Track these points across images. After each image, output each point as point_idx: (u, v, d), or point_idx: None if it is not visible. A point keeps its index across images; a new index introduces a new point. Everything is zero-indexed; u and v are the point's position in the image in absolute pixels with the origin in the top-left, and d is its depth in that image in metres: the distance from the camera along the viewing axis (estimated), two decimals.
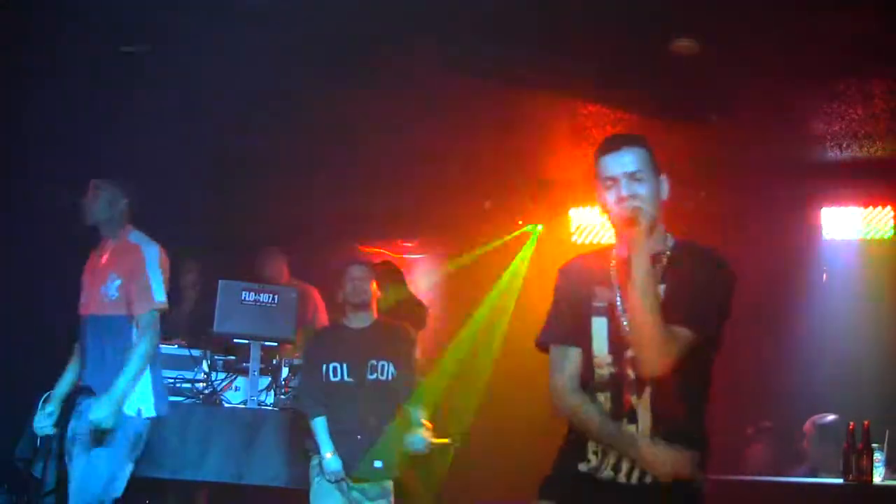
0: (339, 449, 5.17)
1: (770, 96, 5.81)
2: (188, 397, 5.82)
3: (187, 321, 6.72)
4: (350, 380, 5.27)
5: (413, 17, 4.90)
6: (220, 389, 5.89)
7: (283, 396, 5.89)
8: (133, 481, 5.44)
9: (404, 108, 6.12)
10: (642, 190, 3.03)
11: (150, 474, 5.51)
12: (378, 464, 5.21)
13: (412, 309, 7.20)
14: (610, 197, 3.03)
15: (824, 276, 7.27)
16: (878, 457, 5.23)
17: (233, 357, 5.99)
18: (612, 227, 3.08)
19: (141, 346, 4.73)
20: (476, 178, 7.49)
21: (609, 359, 3.01)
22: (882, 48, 5.02)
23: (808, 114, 6.02)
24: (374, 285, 5.48)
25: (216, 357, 5.96)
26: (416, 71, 5.53)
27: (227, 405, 5.87)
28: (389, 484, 5.31)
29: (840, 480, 5.29)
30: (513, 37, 5.18)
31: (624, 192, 3.00)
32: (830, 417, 5.98)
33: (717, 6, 4.74)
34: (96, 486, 4.70)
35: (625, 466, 2.99)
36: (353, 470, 5.19)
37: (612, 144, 3.11)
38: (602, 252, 3.18)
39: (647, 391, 2.96)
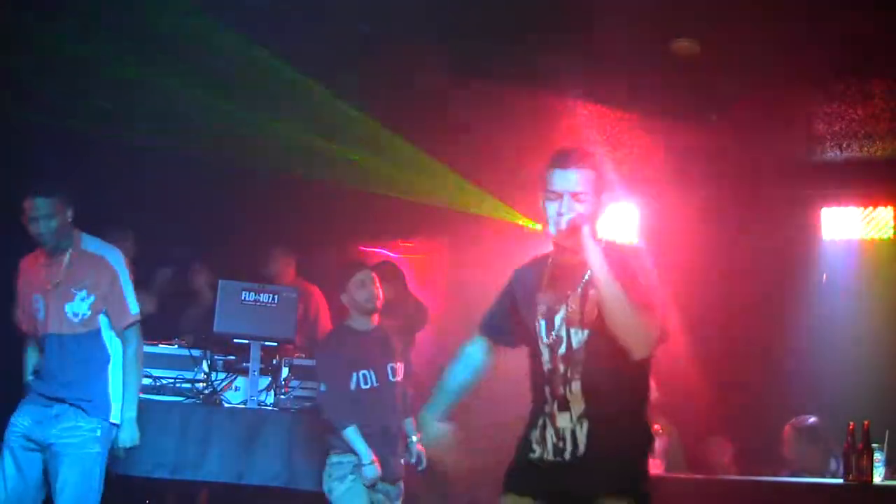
0: (377, 452, 5.22)
1: (770, 96, 5.81)
2: (188, 397, 5.82)
3: (203, 321, 6.71)
4: (378, 385, 5.34)
5: (413, 18, 4.91)
6: (220, 389, 5.89)
7: (283, 396, 5.89)
8: (133, 481, 5.45)
9: (404, 108, 6.12)
10: (581, 209, 3.29)
11: (150, 474, 5.52)
12: (403, 461, 5.37)
13: (412, 309, 7.21)
14: (551, 208, 3.31)
15: (824, 277, 7.27)
16: (878, 457, 5.23)
17: (233, 357, 5.99)
18: (551, 235, 3.35)
19: (135, 361, 4.85)
20: (475, 179, 7.48)
21: (548, 355, 3.36)
22: (882, 48, 5.02)
23: (808, 114, 6.02)
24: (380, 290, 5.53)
25: (216, 357, 5.96)
26: (415, 71, 5.53)
27: (227, 405, 5.87)
28: (402, 484, 5.42)
29: (840, 480, 5.29)
30: (513, 37, 5.18)
31: (563, 210, 3.28)
32: (809, 420, 5.98)
33: (717, 6, 4.74)
34: (95, 498, 4.74)
35: (562, 446, 3.33)
36: (388, 472, 5.26)
37: (562, 161, 3.35)
38: (540, 260, 3.50)
39: (577, 383, 3.31)
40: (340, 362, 5.34)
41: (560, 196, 3.30)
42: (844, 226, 7.21)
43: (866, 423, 5.25)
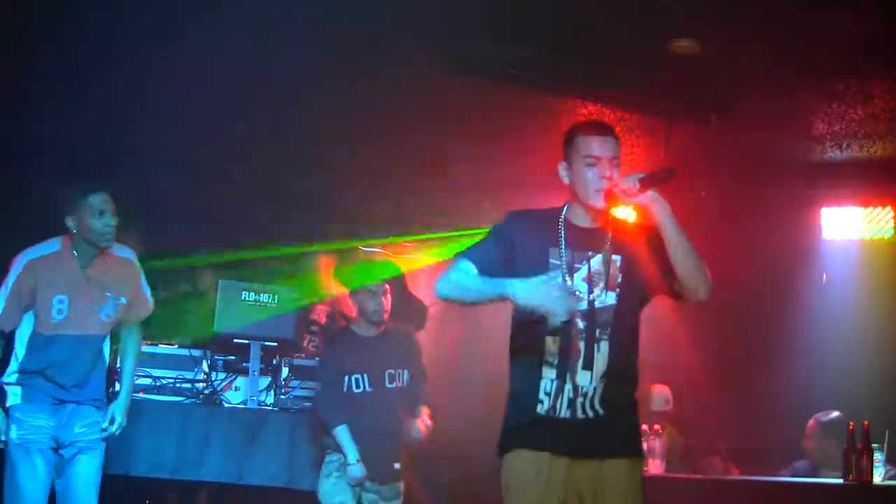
0: (367, 454, 5.28)
1: (770, 96, 5.81)
2: (188, 397, 5.82)
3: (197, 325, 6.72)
4: (371, 390, 5.37)
5: (413, 17, 4.91)
6: (220, 389, 5.90)
7: (283, 396, 5.89)
8: (133, 481, 5.45)
9: (404, 109, 6.12)
10: (616, 174, 3.49)
11: (150, 474, 5.52)
12: (397, 465, 5.37)
13: (413, 309, 7.21)
14: (590, 173, 3.47)
15: (824, 277, 7.27)
16: (878, 457, 5.23)
17: (233, 357, 6.00)
18: (579, 195, 3.50)
19: (138, 350, 4.96)
20: (475, 178, 7.48)
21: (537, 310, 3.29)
22: (882, 48, 5.02)
23: (808, 114, 6.02)
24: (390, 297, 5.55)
25: (216, 357, 5.96)
26: (416, 71, 5.53)
27: (227, 405, 5.87)
28: (402, 485, 5.44)
29: (840, 480, 5.29)
30: (513, 37, 5.18)
31: (607, 174, 3.46)
32: (834, 414, 5.97)
33: (717, 6, 4.74)
34: (96, 491, 4.79)
35: (581, 402, 3.43)
36: (375, 473, 5.30)
37: (599, 129, 3.56)
38: (548, 216, 3.56)
39: (603, 340, 3.44)
40: (335, 364, 5.44)
41: (600, 160, 3.48)
42: (844, 226, 7.21)
43: (866, 423, 5.25)
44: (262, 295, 5.98)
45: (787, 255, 7.28)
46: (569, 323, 3.38)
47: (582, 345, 3.44)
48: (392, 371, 5.41)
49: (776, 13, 4.76)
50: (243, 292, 5.96)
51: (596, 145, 3.49)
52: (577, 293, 3.42)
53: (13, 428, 4.64)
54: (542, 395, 3.44)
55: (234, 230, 7.71)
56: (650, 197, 3.53)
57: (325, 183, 7.52)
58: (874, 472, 5.18)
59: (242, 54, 5.28)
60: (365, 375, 5.36)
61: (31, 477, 4.60)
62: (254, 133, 6.53)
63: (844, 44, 4.98)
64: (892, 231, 7.07)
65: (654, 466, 5.78)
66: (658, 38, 5.09)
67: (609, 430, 3.45)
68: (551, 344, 3.44)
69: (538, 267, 3.41)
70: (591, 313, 3.44)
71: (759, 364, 7.15)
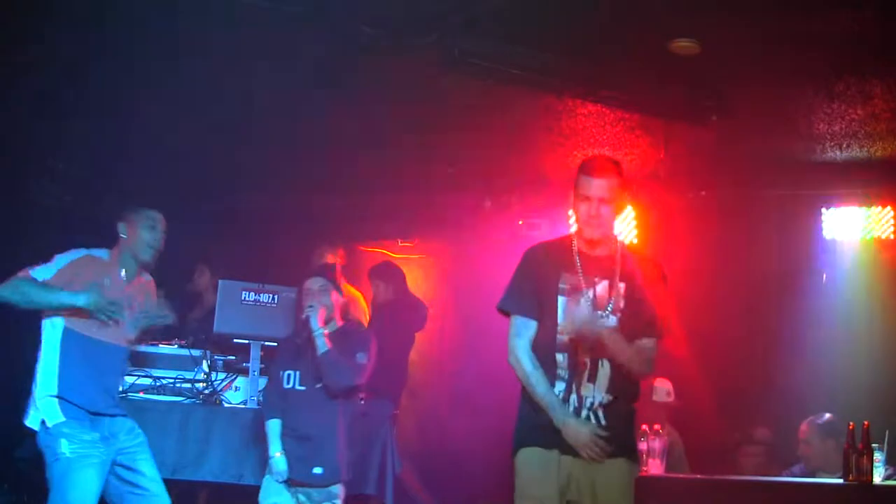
0: (288, 453, 5.25)
1: (770, 96, 5.81)
2: (188, 397, 5.82)
3: (202, 324, 6.72)
4: (301, 388, 5.33)
5: (414, 17, 4.91)
6: (220, 389, 5.90)
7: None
8: None
9: (404, 109, 6.12)
10: (605, 211, 3.92)
11: None
12: (318, 470, 5.24)
13: (412, 309, 7.21)
14: (582, 209, 3.94)
15: (824, 277, 7.27)
16: (878, 457, 5.23)
17: (233, 357, 6.00)
18: (584, 231, 3.97)
19: None
20: (476, 178, 7.49)
21: (570, 327, 3.87)
22: (882, 48, 5.02)
23: (808, 114, 6.02)
24: (335, 295, 5.43)
25: (216, 357, 5.96)
26: (416, 71, 5.53)
27: (227, 405, 5.87)
28: (337, 488, 5.31)
29: (840, 480, 5.29)
30: (513, 37, 5.18)
31: (593, 212, 3.91)
32: (827, 416, 5.98)
33: (717, 6, 4.74)
34: None
35: (585, 413, 3.90)
36: (294, 474, 5.24)
37: (593, 170, 3.96)
38: (563, 242, 4.04)
39: (607, 361, 3.89)
40: (276, 359, 5.53)
41: (590, 199, 3.91)
42: (844, 226, 7.21)
43: (866, 423, 5.25)
44: (262, 295, 5.98)
45: (787, 255, 7.28)
46: (577, 340, 3.86)
47: (587, 361, 3.89)
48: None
49: (776, 13, 4.76)
50: (243, 292, 5.96)
51: (587, 186, 3.93)
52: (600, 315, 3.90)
53: (63, 443, 4.65)
54: (596, 433, 3.88)
55: (233, 230, 7.73)
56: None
57: (324, 183, 7.52)
58: (874, 472, 5.19)
59: (242, 54, 5.28)
60: (297, 373, 5.34)
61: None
62: (254, 133, 6.53)
63: (844, 44, 4.98)
64: (892, 231, 7.07)
65: (654, 466, 5.78)
66: (658, 38, 5.09)
67: (611, 437, 3.88)
68: (561, 360, 3.92)
69: (547, 291, 3.92)
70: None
71: (758, 363, 7.15)
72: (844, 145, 6.48)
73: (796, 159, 6.87)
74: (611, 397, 3.92)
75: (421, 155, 6.99)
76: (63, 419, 4.65)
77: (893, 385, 6.69)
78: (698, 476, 6.13)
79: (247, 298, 5.95)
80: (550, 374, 3.92)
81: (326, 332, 5.30)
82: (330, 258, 7.29)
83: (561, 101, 5.95)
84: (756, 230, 7.25)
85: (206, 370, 5.91)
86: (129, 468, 4.84)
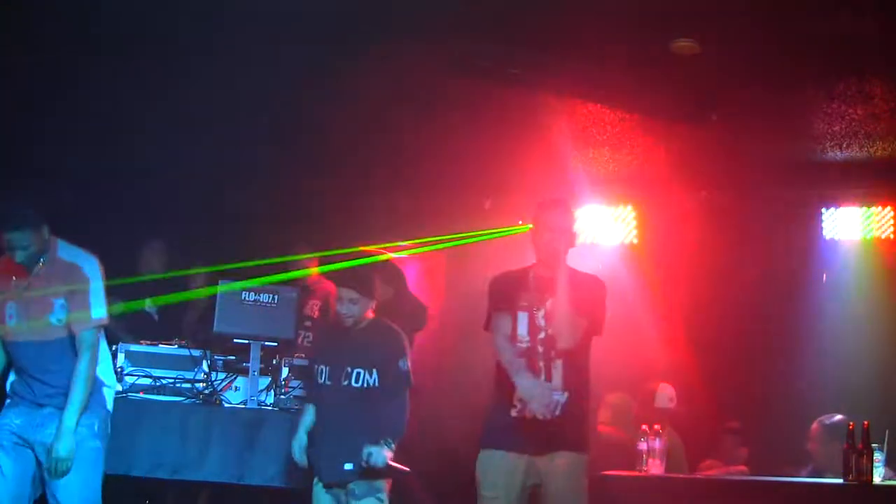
0: (317, 451, 5.24)
1: (770, 96, 5.81)
2: (188, 397, 5.82)
3: (195, 326, 6.73)
4: (329, 383, 5.27)
5: (413, 17, 4.90)
6: (220, 389, 5.89)
7: (283, 396, 5.89)
8: (133, 481, 5.45)
9: (405, 108, 6.12)
10: (564, 242, 4.67)
11: (150, 474, 5.52)
12: (348, 466, 5.17)
13: (412, 309, 7.20)
14: (546, 238, 4.65)
15: (824, 277, 7.27)
16: (878, 457, 5.24)
17: (233, 357, 5.99)
18: (540, 255, 4.70)
19: (87, 369, 4.76)
20: (476, 178, 7.48)
21: (527, 338, 4.64)
22: (882, 48, 5.02)
23: (808, 114, 6.02)
24: (366, 302, 5.33)
25: (216, 357, 5.96)
26: (416, 71, 5.53)
27: (227, 405, 5.87)
28: (381, 482, 5.24)
29: (840, 481, 5.29)
30: (512, 37, 5.18)
31: (555, 245, 4.64)
32: (837, 417, 5.96)
33: (717, 6, 4.74)
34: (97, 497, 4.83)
35: None
36: (323, 471, 5.21)
37: (557, 208, 4.74)
38: (522, 271, 4.77)
39: (559, 360, 4.57)
40: (313, 351, 5.64)
41: (553, 232, 4.64)
42: (844, 226, 7.21)
43: (866, 423, 5.26)
44: (262, 295, 5.97)
45: (787, 254, 7.28)
46: (532, 348, 4.60)
47: (541, 364, 4.59)
48: (353, 369, 5.23)
49: (776, 13, 4.76)
50: (243, 292, 5.95)
51: (548, 220, 4.67)
52: (537, 327, 4.61)
53: None
54: (515, 402, 4.55)
55: (229, 230, 7.73)
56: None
57: (324, 183, 7.51)
58: (874, 472, 5.19)
59: (241, 54, 5.28)
60: (326, 368, 5.29)
61: None
62: (252, 133, 6.53)
63: (844, 44, 4.98)
64: (892, 231, 7.08)
65: (654, 466, 5.78)
66: (658, 38, 5.09)
67: (563, 430, 4.52)
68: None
69: (511, 308, 4.66)
70: (548, 341, 4.59)
71: (758, 363, 7.15)
72: (844, 145, 6.48)
73: (796, 159, 6.87)
74: (565, 395, 4.52)
75: (421, 155, 6.99)
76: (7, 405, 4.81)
77: (893, 385, 6.69)
78: (698, 476, 6.14)
79: (247, 298, 5.95)
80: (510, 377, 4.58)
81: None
82: (307, 259, 7.32)
83: (561, 101, 5.95)
84: (756, 230, 7.24)
85: (206, 370, 5.91)
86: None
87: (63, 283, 4.78)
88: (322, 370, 5.30)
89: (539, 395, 4.49)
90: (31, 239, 4.71)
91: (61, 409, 4.71)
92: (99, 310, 4.82)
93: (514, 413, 4.55)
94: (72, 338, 4.78)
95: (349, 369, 5.24)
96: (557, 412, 4.49)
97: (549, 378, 4.56)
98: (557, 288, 4.61)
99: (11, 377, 4.86)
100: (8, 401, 4.86)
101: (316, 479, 5.25)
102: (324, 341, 5.53)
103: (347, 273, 5.60)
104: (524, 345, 4.63)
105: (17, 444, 4.75)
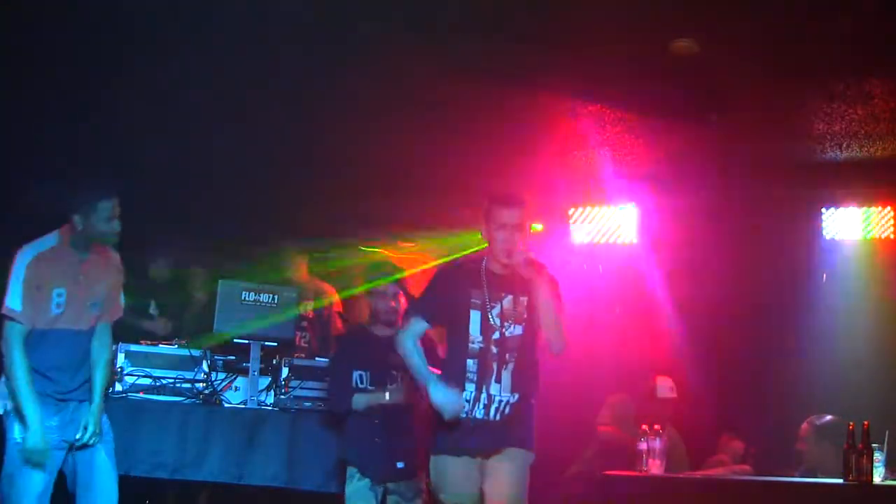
0: (370, 451, 5.38)
1: (770, 96, 5.81)
2: (188, 397, 5.82)
3: (193, 325, 6.73)
4: (372, 387, 5.47)
5: (413, 17, 4.90)
6: (220, 389, 5.90)
7: (283, 396, 5.89)
8: (133, 481, 5.45)
9: (404, 109, 6.12)
10: (518, 238, 4.50)
11: (150, 474, 5.52)
12: (400, 465, 5.40)
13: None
14: (498, 236, 4.51)
15: (824, 277, 7.27)
16: (878, 457, 5.24)
17: (233, 357, 6.00)
18: (493, 253, 4.55)
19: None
20: (476, 179, 7.48)
21: (480, 338, 4.52)
22: (882, 48, 5.02)
23: (808, 114, 6.01)
24: (402, 299, 5.61)
25: (216, 357, 5.96)
26: (415, 71, 5.53)
27: (227, 405, 5.87)
28: (421, 484, 5.44)
29: (840, 480, 5.29)
30: (512, 36, 5.18)
31: (507, 240, 4.48)
32: (828, 418, 5.98)
33: (717, 6, 4.74)
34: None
35: (491, 410, 4.53)
36: (374, 471, 5.37)
37: (507, 201, 4.57)
38: (473, 262, 4.65)
39: (511, 361, 4.52)
40: (345, 359, 5.62)
41: (505, 227, 4.50)
42: (844, 226, 7.21)
43: (866, 423, 5.26)
44: (262, 295, 5.98)
45: (787, 254, 7.28)
46: (486, 349, 4.51)
47: (494, 365, 4.52)
48: (396, 371, 5.42)
49: (776, 13, 4.76)
50: (243, 292, 5.96)
51: (501, 215, 4.51)
52: (491, 326, 4.51)
53: (16, 428, 4.67)
54: (464, 402, 4.50)
55: (230, 230, 7.73)
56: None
57: (324, 183, 7.51)
58: (874, 472, 5.19)
59: (241, 54, 5.28)
60: (367, 372, 5.48)
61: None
62: (252, 133, 6.53)
63: (844, 44, 4.98)
64: (892, 231, 7.08)
65: (654, 466, 5.79)
66: (658, 38, 5.09)
67: (510, 429, 4.52)
68: (471, 365, 4.53)
69: (459, 305, 4.52)
70: (502, 341, 4.52)
71: (758, 363, 7.15)
72: (844, 145, 6.47)
73: (796, 159, 6.86)
74: (516, 395, 4.53)
75: (421, 155, 6.99)
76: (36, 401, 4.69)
77: (893, 385, 6.69)
78: (698, 476, 6.14)
79: (247, 298, 5.95)
80: (461, 378, 4.52)
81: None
82: (297, 260, 7.33)
83: (561, 101, 5.95)
84: (756, 230, 7.24)
85: (206, 370, 5.92)
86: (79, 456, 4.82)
87: (110, 273, 4.92)
88: (362, 375, 5.50)
89: (452, 406, 4.45)
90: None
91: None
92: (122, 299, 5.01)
93: (463, 416, 4.52)
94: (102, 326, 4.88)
95: (394, 372, 5.44)
96: (507, 412, 4.50)
97: (498, 379, 4.51)
98: (516, 283, 4.51)
99: (25, 375, 4.70)
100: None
101: (358, 477, 5.37)
102: (356, 348, 5.65)
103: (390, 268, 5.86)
104: (477, 345, 4.53)
105: (58, 448, 4.75)
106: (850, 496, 5.25)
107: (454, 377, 4.52)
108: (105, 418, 4.89)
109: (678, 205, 7.47)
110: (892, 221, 7.08)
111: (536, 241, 8.10)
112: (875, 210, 7.13)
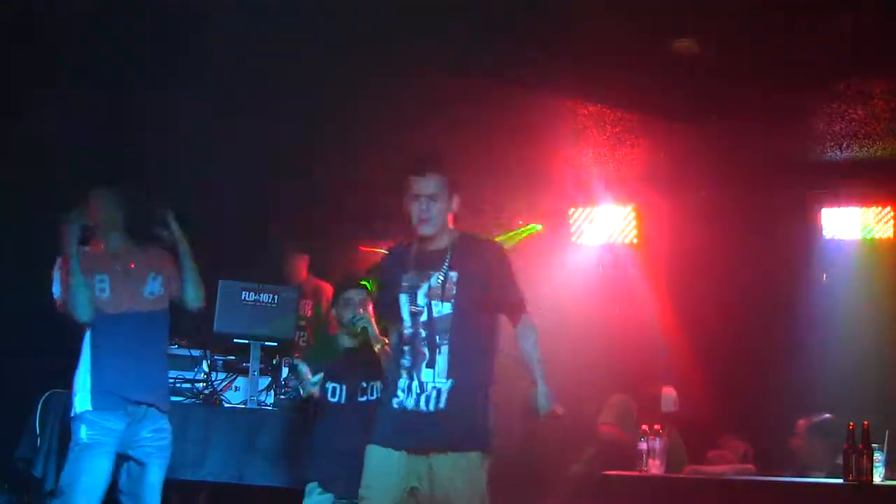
0: (336, 469, 4.98)
1: (770, 96, 5.81)
2: (188, 397, 5.82)
3: (193, 323, 6.72)
4: (344, 402, 5.10)
5: (413, 17, 4.91)
6: (220, 389, 5.90)
7: (283, 396, 5.89)
8: None
9: (404, 109, 6.12)
10: (434, 209, 4.15)
11: None
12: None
13: None
14: (413, 206, 4.17)
15: (824, 276, 7.27)
16: (878, 457, 5.23)
17: (233, 357, 6.00)
18: (414, 226, 4.19)
19: None
20: (475, 179, 7.47)
21: (410, 322, 4.16)
22: (882, 48, 5.02)
23: (808, 114, 6.02)
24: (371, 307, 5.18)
25: (216, 357, 5.96)
26: (416, 71, 5.53)
27: (227, 405, 5.87)
28: None
29: (840, 480, 5.29)
30: (513, 37, 5.18)
31: (423, 210, 4.15)
32: (824, 416, 5.98)
33: (717, 6, 4.74)
34: None
35: (422, 399, 4.09)
36: (345, 490, 4.94)
37: (420, 169, 4.19)
38: (403, 247, 4.33)
39: (443, 343, 4.09)
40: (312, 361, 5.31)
41: (419, 197, 4.15)
42: (844, 226, 7.21)
43: (866, 423, 5.25)
44: (262, 295, 5.97)
45: (787, 254, 7.28)
46: (415, 333, 4.13)
47: (426, 349, 4.11)
48: (365, 384, 5.09)
49: (776, 13, 4.76)
50: (243, 292, 5.95)
51: (414, 185, 4.16)
52: (419, 308, 4.14)
53: (83, 429, 4.75)
54: (399, 391, 4.15)
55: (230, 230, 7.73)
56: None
57: (323, 182, 7.52)
58: (874, 472, 5.19)
59: (241, 54, 5.28)
60: (343, 386, 5.11)
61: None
62: (251, 133, 6.53)
63: (844, 44, 4.98)
64: (891, 231, 7.08)
65: (654, 466, 5.78)
66: (658, 38, 5.09)
67: (451, 426, 4.06)
68: (407, 350, 4.17)
69: (394, 290, 4.21)
70: (430, 323, 4.12)
71: (758, 364, 7.15)
72: (844, 145, 6.48)
73: (796, 159, 6.87)
74: (451, 382, 4.08)
75: (420, 155, 6.97)
76: (90, 408, 4.76)
77: (893, 385, 6.69)
78: (698, 476, 6.14)
79: (247, 298, 5.95)
80: (398, 365, 4.19)
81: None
82: (295, 259, 7.33)
83: (561, 101, 5.95)
84: (756, 230, 7.24)
85: (206, 370, 5.91)
86: (139, 463, 4.88)
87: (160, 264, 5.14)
88: (335, 388, 5.11)
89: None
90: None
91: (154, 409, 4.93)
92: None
93: (395, 403, 4.15)
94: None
95: (364, 385, 5.09)
96: (443, 403, 4.06)
97: (431, 364, 4.08)
98: (444, 259, 4.15)
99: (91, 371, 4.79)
100: (95, 405, 4.78)
101: (319, 490, 5.07)
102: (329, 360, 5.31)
103: None
104: (408, 330, 4.15)
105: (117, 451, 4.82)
106: (849, 496, 5.25)
107: (394, 366, 4.23)
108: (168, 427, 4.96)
109: (678, 205, 7.47)
110: (892, 221, 7.08)
111: (536, 241, 8.13)
112: (875, 210, 7.13)
